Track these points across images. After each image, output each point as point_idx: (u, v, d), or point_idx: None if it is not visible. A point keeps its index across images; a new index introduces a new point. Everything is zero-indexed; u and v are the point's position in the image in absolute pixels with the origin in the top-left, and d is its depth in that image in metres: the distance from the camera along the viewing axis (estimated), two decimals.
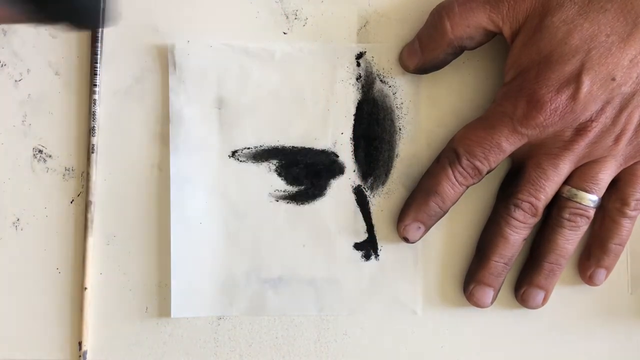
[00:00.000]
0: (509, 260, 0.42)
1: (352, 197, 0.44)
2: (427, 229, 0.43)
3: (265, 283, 0.43)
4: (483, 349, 0.44)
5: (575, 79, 0.38)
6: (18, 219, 0.43)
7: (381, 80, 0.44)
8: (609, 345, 0.44)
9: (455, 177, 0.41)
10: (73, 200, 0.43)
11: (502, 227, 0.42)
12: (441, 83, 0.44)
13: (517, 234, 0.42)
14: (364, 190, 0.44)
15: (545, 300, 0.43)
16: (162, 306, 0.43)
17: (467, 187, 0.42)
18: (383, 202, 0.44)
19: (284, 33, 0.43)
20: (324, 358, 0.44)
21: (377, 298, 0.44)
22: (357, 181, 0.44)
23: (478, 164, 0.41)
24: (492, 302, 0.43)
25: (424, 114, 0.44)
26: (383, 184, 0.44)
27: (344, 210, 0.43)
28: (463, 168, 0.41)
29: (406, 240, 0.43)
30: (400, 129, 0.44)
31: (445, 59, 0.42)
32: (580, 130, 0.39)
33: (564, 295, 0.44)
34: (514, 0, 0.40)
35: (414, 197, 0.43)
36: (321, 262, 0.44)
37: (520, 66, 0.40)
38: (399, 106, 0.44)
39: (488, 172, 0.41)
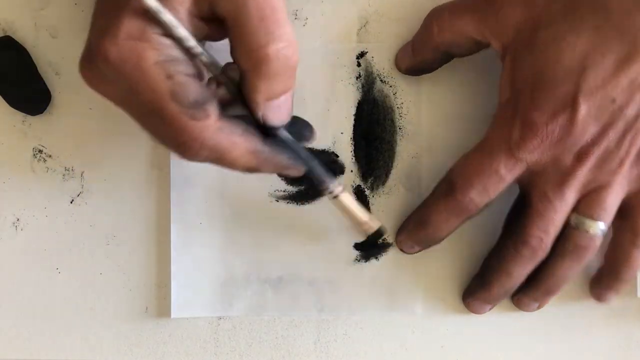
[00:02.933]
0: (511, 289, 0.41)
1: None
2: (423, 249, 0.42)
3: (265, 283, 0.43)
4: (483, 348, 0.44)
5: (572, 101, 0.36)
6: (18, 219, 0.43)
7: (381, 80, 0.44)
8: (609, 345, 0.44)
9: (451, 209, 0.39)
10: (73, 200, 0.43)
11: (508, 262, 0.40)
12: (442, 83, 0.44)
13: (523, 270, 0.40)
14: (364, 190, 0.44)
15: (539, 307, 0.43)
16: (162, 306, 0.43)
17: (464, 220, 0.40)
18: (383, 202, 0.44)
19: None
20: (324, 358, 0.44)
21: (377, 298, 0.44)
22: (357, 181, 0.44)
23: (475, 194, 0.39)
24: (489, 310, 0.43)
25: (425, 114, 0.44)
26: (383, 184, 0.44)
27: None
28: (459, 200, 0.39)
29: (402, 250, 0.43)
30: (400, 129, 0.44)
31: (433, 64, 0.42)
32: (581, 155, 0.37)
33: (564, 295, 0.44)
34: (502, 13, 0.38)
35: (409, 221, 0.42)
36: (321, 262, 0.44)
37: (514, 86, 0.38)
38: (399, 106, 0.44)
39: (487, 205, 0.39)
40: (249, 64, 0.34)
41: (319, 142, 0.43)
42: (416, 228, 0.41)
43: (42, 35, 0.43)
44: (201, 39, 0.34)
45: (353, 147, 0.44)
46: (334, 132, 0.43)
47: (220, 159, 0.35)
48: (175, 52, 0.33)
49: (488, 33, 0.39)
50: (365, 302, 0.44)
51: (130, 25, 0.32)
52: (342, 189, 0.39)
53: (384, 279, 0.44)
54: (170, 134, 0.33)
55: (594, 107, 0.36)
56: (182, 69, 0.33)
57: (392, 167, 0.44)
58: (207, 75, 0.36)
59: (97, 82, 0.34)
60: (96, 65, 0.33)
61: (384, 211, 0.44)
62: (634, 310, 0.44)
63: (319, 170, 0.39)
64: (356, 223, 0.41)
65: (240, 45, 0.33)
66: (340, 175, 0.44)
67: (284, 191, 0.43)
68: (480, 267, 0.43)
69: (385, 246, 0.43)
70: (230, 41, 0.34)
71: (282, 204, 0.43)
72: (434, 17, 0.41)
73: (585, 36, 0.36)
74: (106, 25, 0.32)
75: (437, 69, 0.43)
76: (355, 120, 0.44)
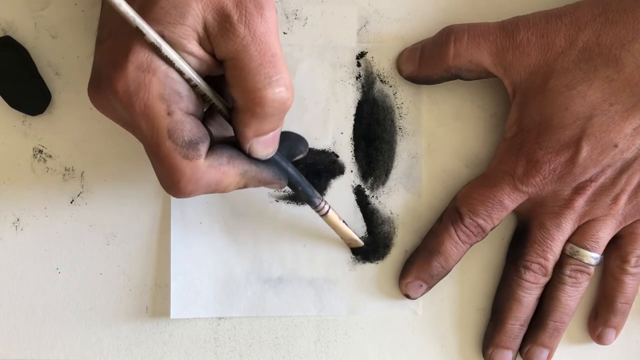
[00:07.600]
0: (525, 322, 0.43)
1: (352, 197, 0.44)
2: (430, 287, 0.43)
3: (265, 283, 0.43)
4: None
5: (575, 144, 0.39)
6: (18, 219, 0.43)
7: (381, 80, 0.44)
8: (610, 346, 0.44)
9: (458, 236, 0.41)
10: (73, 200, 0.43)
11: (514, 289, 0.42)
12: (442, 83, 0.43)
13: (529, 295, 0.42)
14: (364, 190, 0.44)
15: (549, 358, 0.43)
16: (162, 306, 0.43)
17: (471, 245, 0.42)
18: (383, 202, 0.44)
19: (284, 33, 0.43)
20: (324, 358, 0.44)
21: (377, 298, 0.44)
22: (357, 181, 0.44)
23: (481, 222, 0.41)
24: None
25: (425, 113, 0.44)
26: (383, 184, 0.44)
27: (344, 210, 0.43)
28: (466, 227, 0.41)
29: (407, 296, 0.43)
30: (400, 129, 0.44)
31: (438, 80, 0.42)
32: (579, 189, 0.40)
33: None
34: (519, 52, 0.39)
35: (417, 256, 0.43)
36: (321, 262, 0.44)
37: (521, 124, 0.40)
38: (399, 106, 0.44)
39: (491, 229, 0.42)
40: (244, 103, 0.34)
41: (319, 142, 0.43)
42: (429, 258, 0.42)
43: (42, 35, 0.43)
44: (204, 72, 0.35)
45: (353, 147, 0.44)
46: (334, 132, 0.43)
47: (213, 190, 0.36)
48: (179, 87, 0.33)
49: (502, 70, 0.40)
50: (365, 302, 0.44)
51: (139, 56, 0.32)
52: (328, 207, 0.41)
53: (384, 278, 0.44)
54: (163, 172, 0.34)
55: (596, 150, 0.39)
56: (183, 106, 0.34)
57: (392, 167, 0.44)
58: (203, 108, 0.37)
59: (105, 108, 0.35)
60: (105, 94, 0.34)
61: (384, 211, 0.44)
62: (634, 310, 0.44)
63: (308, 191, 0.40)
64: (344, 238, 0.43)
65: (238, 85, 0.34)
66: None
67: (284, 191, 0.43)
68: (491, 313, 0.44)
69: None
70: (228, 79, 0.34)
71: (282, 204, 0.43)
72: (451, 38, 0.41)
73: (596, 86, 0.38)
74: (116, 55, 0.33)
75: (438, 83, 0.43)
76: (355, 120, 0.44)
